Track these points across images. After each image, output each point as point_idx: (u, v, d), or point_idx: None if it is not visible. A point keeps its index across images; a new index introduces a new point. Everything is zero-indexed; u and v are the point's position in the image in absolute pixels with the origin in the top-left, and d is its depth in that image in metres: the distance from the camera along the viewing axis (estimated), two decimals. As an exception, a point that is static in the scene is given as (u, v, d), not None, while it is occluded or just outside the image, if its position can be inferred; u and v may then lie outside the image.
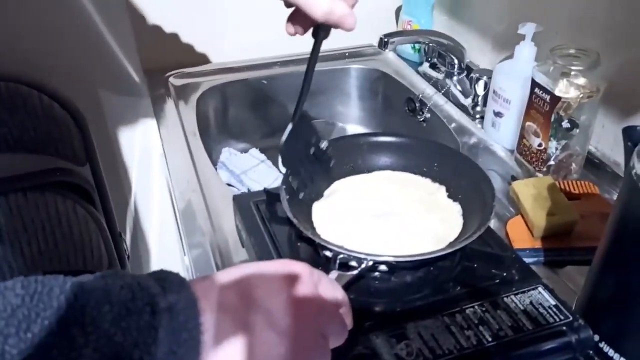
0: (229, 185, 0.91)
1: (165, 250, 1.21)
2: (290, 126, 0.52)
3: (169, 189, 1.01)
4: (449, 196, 0.57)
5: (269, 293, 0.30)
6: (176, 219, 0.95)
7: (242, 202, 0.58)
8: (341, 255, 0.43)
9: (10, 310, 0.24)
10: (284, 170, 0.84)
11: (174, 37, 1.01)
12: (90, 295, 0.25)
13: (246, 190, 0.90)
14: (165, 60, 1.03)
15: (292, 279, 0.31)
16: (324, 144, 0.55)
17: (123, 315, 0.25)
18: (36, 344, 0.23)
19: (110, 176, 1.08)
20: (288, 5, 0.48)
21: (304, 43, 1.14)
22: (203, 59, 1.05)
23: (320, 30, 0.50)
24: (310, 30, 0.52)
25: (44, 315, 0.24)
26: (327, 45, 1.24)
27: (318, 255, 0.48)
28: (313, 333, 0.31)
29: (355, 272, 0.43)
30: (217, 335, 0.27)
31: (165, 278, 0.28)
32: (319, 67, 1.08)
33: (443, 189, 0.58)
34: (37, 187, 0.93)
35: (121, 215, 1.15)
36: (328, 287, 0.34)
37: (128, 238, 1.18)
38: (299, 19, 0.51)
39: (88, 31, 0.97)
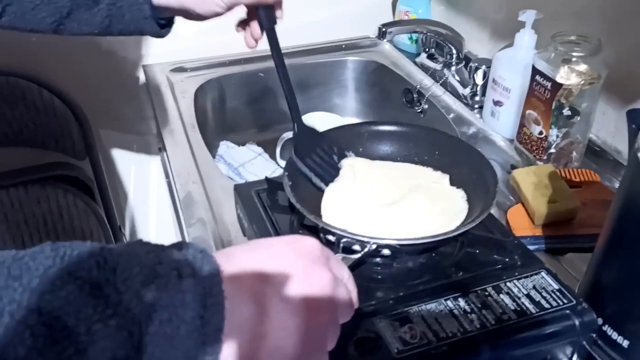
0: (228, 177, 0.91)
1: (164, 241, 1.21)
2: (296, 129, 0.54)
3: (169, 182, 1.01)
4: (452, 183, 0.57)
5: (282, 268, 0.30)
6: (176, 211, 0.94)
7: (244, 192, 0.58)
8: (344, 239, 0.43)
9: (42, 269, 0.24)
10: (282, 163, 0.85)
11: (172, 30, 1.01)
12: (119, 258, 0.26)
13: (245, 183, 0.90)
14: (164, 53, 1.02)
15: (304, 254, 0.32)
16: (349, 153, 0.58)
17: (152, 278, 0.26)
18: (71, 302, 0.24)
19: (110, 170, 1.08)
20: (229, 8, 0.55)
21: (299, 36, 1.14)
22: (201, 52, 1.04)
23: (264, 17, 0.55)
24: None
25: (75, 275, 0.24)
26: (323, 38, 1.23)
27: (321, 241, 0.48)
28: (325, 306, 0.31)
29: (358, 255, 0.43)
30: (235, 306, 0.28)
31: (188, 247, 0.28)
32: (316, 59, 1.09)
33: (447, 177, 0.57)
34: (38, 181, 0.93)
35: (121, 208, 1.15)
36: (336, 264, 0.34)
37: (127, 231, 1.18)
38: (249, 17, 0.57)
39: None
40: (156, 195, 1.16)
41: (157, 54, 1.02)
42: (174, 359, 0.25)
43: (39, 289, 0.24)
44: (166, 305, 0.25)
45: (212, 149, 0.97)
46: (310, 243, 0.33)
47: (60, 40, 0.96)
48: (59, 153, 0.99)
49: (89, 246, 0.26)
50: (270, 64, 1.04)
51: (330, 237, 0.45)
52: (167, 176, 1.04)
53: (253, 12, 0.57)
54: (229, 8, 0.55)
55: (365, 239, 0.43)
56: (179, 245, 0.28)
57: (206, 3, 0.55)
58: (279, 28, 1.11)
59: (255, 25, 0.57)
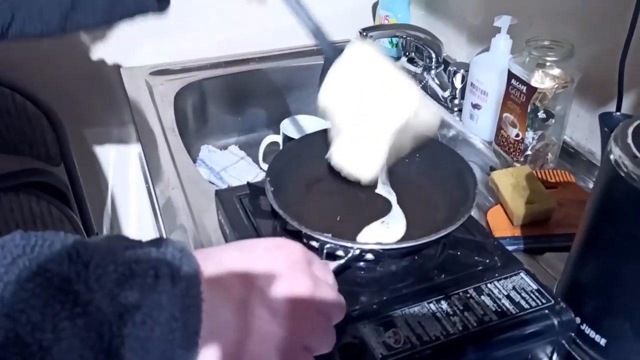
0: (209, 182, 0.90)
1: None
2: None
3: (148, 187, 0.99)
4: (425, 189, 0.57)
5: (264, 271, 0.30)
6: (155, 218, 0.93)
7: (225, 197, 0.58)
8: (328, 245, 0.44)
9: (10, 258, 0.23)
10: (264, 166, 0.84)
11: (150, 33, 1.00)
12: (94, 252, 0.25)
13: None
14: (142, 56, 1.01)
15: (284, 259, 0.32)
16: None
17: (127, 277, 0.25)
18: (38, 295, 0.23)
19: (86, 176, 1.06)
20: None
21: (281, 39, 1.14)
22: (180, 55, 1.03)
23: None
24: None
25: (45, 267, 0.23)
26: (305, 41, 1.23)
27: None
28: (308, 310, 0.31)
29: (342, 261, 0.43)
30: (213, 308, 0.27)
31: (168, 244, 0.27)
32: (298, 62, 1.09)
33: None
34: (11, 188, 0.90)
35: (98, 215, 1.12)
36: (320, 268, 0.34)
37: (106, 239, 1.16)
38: None
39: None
40: (135, 202, 1.14)
41: (135, 56, 1.01)
42: None
43: (4, 278, 0.22)
44: (140, 306, 0.24)
45: (193, 153, 0.96)
46: (292, 248, 0.33)
47: (35, 44, 0.94)
48: (32, 159, 0.96)
49: (62, 237, 0.25)
50: (251, 67, 1.03)
51: (314, 243, 0.45)
52: (146, 182, 1.02)
53: None
54: None
55: (349, 245, 0.44)
56: (159, 242, 0.27)
57: None
58: (260, 32, 1.11)
59: None
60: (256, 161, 0.95)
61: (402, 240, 0.50)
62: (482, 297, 0.45)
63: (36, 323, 0.22)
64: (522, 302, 0.45)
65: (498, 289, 0.46)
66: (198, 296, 0.26)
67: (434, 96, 0.93)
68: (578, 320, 0.45)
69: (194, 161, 0.92)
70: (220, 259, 0.30)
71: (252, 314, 0.29)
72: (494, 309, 0.44)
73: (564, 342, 0.45)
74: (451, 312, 0.43)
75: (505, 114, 0.73)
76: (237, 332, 0.28)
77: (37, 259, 0.23)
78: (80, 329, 0.23)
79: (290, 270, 0.31)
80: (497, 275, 0.47)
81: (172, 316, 0.25)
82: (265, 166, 0.92)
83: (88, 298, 0.23)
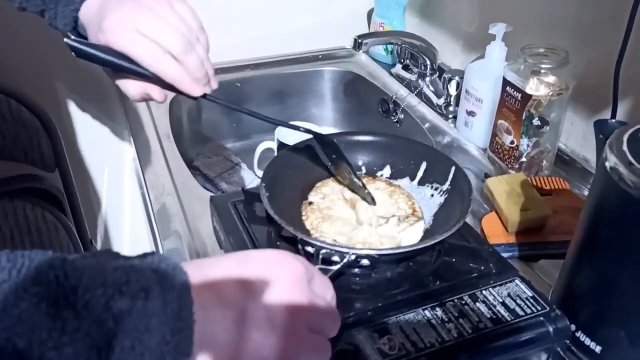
0: (204, 188, 0.90)
1: (138, 256, 1.18)
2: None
3: (143, 194, 0.99)
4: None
5: (261, 287, 0.30)
6: (150, 224, 0.93)
7: (220, 203, 0.58)
8: (324, 250, 0.43)
9: None
10: (259, 173, 0.84)
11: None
12: (82, 274, 0.24)
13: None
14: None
15: (287, 274, 0.31)
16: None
17: (116, 300, 0.24)
18: (24, 321, 0.22)
19: (81, 182, 1.06)
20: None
21: (276, 46, 1.14)
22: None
23: None
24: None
25: (32, 292, 0.23)
26: (300, 48, 1.24)
27: (298, 253, 0.48)
28: (302, 330, 0.30)
29: (337, 266, 0.43)
30: (206, 325, 0.27)
31: (160, 261, 0.27)
32: (293, 69, 1.09)
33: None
34: (5, 194, 0.89)
35: (92, 221, 1.12)
36: (319, 284, 0.33)
37: (99, 245, 1.15)
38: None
39: (57, 34, 0.94)
40: (130, 208, 1.14)
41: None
42: None
43: None
44: (130, 330, 0.24)
45: (188, 159, 0.95)
46: (294, 265, 0.32)
47: (29, 49, 0.94)
48: (27, 165, 0.96)
49: (49, 257, 0.24)
50: (246, 74, 1.03)
51: (309, 249, 0.45)
52: (141, 188, 1.02)
53: None
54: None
55: (344, 250, 0.44)
56: (151, 259, 0.27)
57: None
58: (254, 39, 1.11)
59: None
60: (251, 167, 0.94)
61: (397, 246, 0.50)
62: (477, 304, 0.45)
63: (22, 350, 0.21)
64: (517, 309, 0.45)
65: (493, 295, 0.46)
66: (190, 318, 0.26)
67: (429, 103, 0.93)
68: (573, 327, 0.44)
69: (189, 167, 0.92)
70: (216, 272, 0.29)
71: (246, 332, 0.28)
72: (489, 315, 0.44)
73: (559, 349, 0.45)
74: (446, 319, 0.43)
75: (500, 121, 0.73)
76: (229, 351, 0.28)
77: (23, 283, 0.23)
78: (68, 357, 0.22)
79: (289, 288, 0.31)
80: (492, 282, 0.47)
81: (163, 339, 0.25)
82: (260, 172, 0.92)
83: (76, 325, 0.23)
